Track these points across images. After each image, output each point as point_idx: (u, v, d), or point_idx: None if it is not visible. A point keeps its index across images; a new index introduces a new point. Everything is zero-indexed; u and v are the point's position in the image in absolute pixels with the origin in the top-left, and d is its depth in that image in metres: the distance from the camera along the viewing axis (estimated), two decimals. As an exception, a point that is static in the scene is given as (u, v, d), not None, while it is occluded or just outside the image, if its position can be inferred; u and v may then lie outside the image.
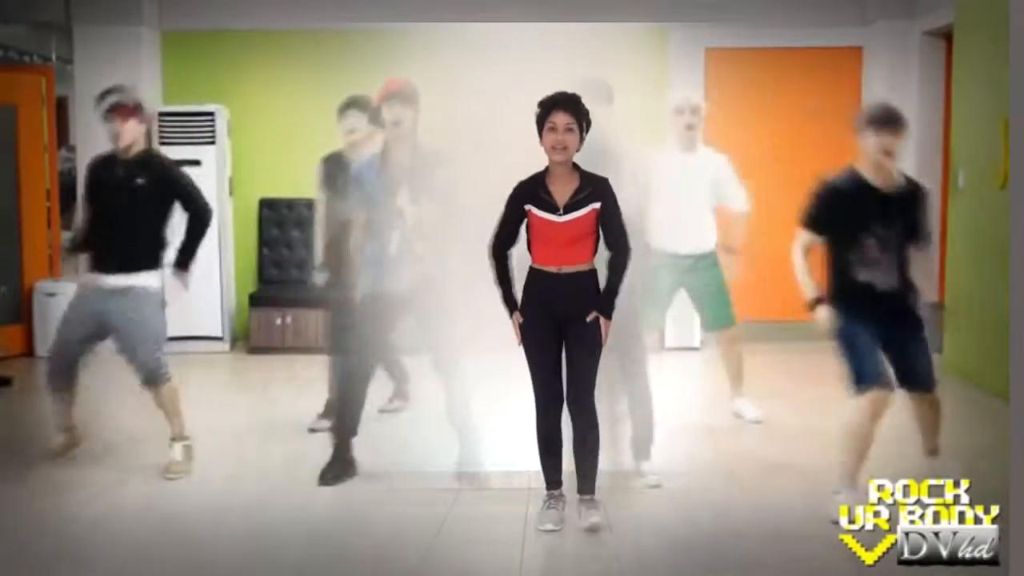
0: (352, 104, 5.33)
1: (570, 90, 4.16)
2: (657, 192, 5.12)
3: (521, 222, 4.22)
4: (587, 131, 4.17)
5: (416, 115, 4.72)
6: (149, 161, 4.98)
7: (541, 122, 4.15)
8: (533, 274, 4.29)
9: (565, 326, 4.25)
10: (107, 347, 5.03)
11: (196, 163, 7.63)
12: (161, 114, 7.75)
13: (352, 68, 7.34)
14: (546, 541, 4.17)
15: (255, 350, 7.72)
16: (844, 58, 8.02)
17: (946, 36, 7.40)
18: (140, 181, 4.87)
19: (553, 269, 4.21)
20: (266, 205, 8.06)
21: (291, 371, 7.09)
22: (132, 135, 4.88)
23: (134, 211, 4.89)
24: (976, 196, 6.55)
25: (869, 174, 4.16)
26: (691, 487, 4.75)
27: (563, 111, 4.10)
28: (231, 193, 7.98)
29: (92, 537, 4.25)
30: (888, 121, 4.14)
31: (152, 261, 4.95)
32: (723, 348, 5.89)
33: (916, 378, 4.28)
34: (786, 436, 5.49)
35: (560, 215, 4.15)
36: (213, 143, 7.79)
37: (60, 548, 4.11)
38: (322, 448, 4.98)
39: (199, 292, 7.64)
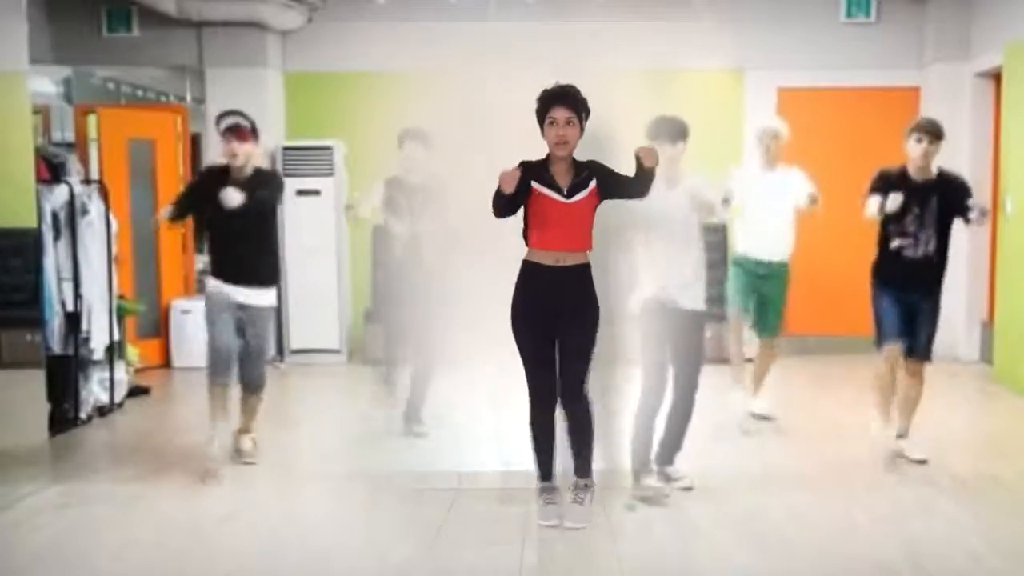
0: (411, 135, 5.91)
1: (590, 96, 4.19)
2: (743, 204, 6.03)
3: (525, 196, 4.12)
4: (587, 120, 4.11)
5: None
6: (263, 175, 5.37)
7: (541, 116, 4.11)
8: (530, 269, 4.19)
9: (559, 322, 4.19)
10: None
11: (316, 192, 8.38)
12: (284, 148, 8.46)
13: (455, 105, 7.96)
14: (546, 541, 4.18)
15: (369, 361, 8.09)
16: (902, 97, 8.51)
17: (995, 77, 7.91)
18: (261, 195, 5.16)
19: (550, 262, 4.14)
20: (379, 231, 8.55)
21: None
22: (247, 156, 5.26)
23: (262, 227, 5.28)
24: (1023, 221, 7.17)
25: (911, 169, 5.22)
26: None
27: (562, 105, 4.08)
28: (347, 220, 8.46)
29: (219, 533, 4.38)
30: (923, 129, 5.21)
31: (275, 276, 5.44)
32: (762, 353, 6.32)
33: (916, 346, 5.31)
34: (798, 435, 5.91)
35: (566, 197, 4.13)
36: (332, 175, 8.42)
37: (192, 544, 4.25)
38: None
39: (320, 309, 8.40)
